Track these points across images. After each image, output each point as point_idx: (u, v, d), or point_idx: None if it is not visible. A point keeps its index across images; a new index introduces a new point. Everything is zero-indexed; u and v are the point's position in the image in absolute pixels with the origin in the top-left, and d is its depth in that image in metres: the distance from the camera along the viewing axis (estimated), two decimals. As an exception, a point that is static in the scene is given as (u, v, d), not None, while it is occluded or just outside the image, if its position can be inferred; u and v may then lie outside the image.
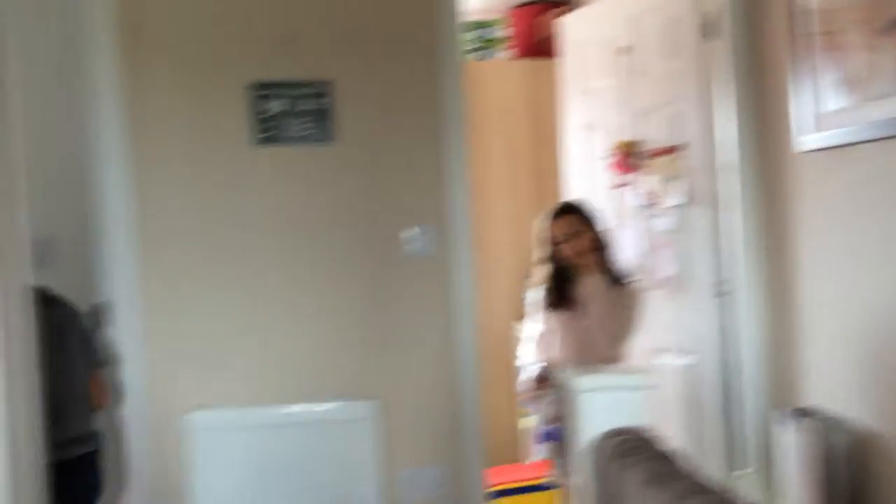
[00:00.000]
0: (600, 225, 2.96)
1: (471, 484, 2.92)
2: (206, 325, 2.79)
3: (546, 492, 3.84)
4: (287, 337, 2.82)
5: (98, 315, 2.67)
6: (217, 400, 2.76)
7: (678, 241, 2.98)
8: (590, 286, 2.89)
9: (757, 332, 2.71)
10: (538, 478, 3.89)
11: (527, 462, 4.26)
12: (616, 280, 2.90)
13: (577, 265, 2.91)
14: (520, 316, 4.36)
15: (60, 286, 2.41)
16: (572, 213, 2.94)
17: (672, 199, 3.02)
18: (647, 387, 1.71)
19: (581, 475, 1.68)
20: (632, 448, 1.47)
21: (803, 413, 2.48)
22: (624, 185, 3.25)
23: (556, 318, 2.91)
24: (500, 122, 4.47)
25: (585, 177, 3.65)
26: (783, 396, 2.65)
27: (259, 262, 2.81)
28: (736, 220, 2.72)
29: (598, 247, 2.92)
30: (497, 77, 4.36)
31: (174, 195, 2.76)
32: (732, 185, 2.73)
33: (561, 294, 2.92)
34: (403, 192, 2.85)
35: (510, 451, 4.38)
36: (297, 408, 2.79)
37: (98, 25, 2.66)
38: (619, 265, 2.95)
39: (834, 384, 2.41)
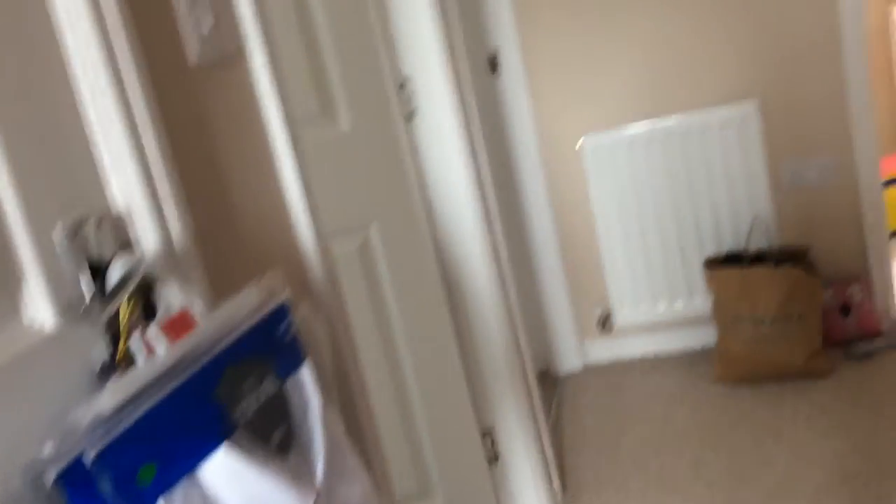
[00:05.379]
0: None
1: (866, 172, 2.87)
2: (583, 50, 2.95)
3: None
4: (665, 47, 2.89)
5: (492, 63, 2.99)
6: (604, 123, 2.98)
7: None
8: None
9: None
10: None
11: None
12: None
13: None
14: (896, -1, 3.96)
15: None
16: None
17: None
18: None
19: None
20: None
21: None
22: None
23: None
24: None
25: None
26: None
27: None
28: None
29: None
30: None
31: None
32: None
33: None
34: None
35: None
36: (675, 117, 2.90)
37: None
38: None
39: None
